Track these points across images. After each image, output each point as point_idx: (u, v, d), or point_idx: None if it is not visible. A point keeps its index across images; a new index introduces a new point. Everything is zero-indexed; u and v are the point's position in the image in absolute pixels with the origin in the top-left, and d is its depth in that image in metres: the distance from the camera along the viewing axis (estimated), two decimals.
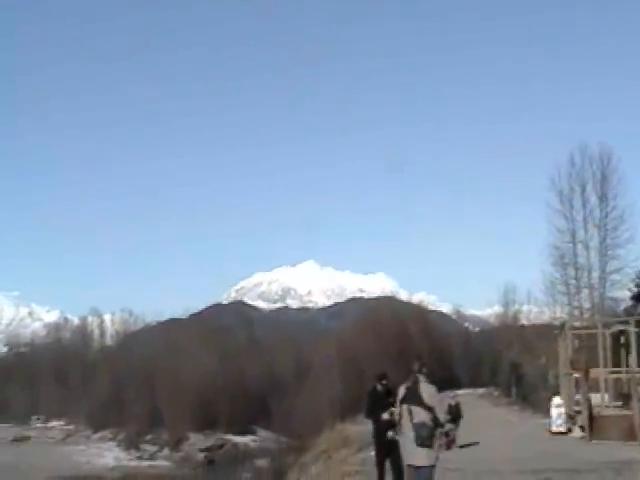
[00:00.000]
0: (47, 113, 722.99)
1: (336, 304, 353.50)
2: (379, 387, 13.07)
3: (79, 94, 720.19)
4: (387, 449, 12.24)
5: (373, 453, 14.01)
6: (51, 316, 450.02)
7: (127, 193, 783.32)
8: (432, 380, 10.12)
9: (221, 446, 72.46)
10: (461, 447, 24.27)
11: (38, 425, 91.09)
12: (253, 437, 75.95)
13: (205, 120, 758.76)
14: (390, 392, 12.27)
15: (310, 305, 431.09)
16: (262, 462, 49.13)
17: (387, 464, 13.03)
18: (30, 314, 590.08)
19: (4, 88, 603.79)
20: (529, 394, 50.99)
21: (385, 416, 11.84)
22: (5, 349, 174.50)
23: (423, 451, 9.68)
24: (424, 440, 9.63)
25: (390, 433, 11.26)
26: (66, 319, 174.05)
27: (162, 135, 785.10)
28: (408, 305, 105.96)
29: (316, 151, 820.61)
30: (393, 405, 10.94)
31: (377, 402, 12.58)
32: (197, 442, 71.77)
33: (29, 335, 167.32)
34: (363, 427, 25.96)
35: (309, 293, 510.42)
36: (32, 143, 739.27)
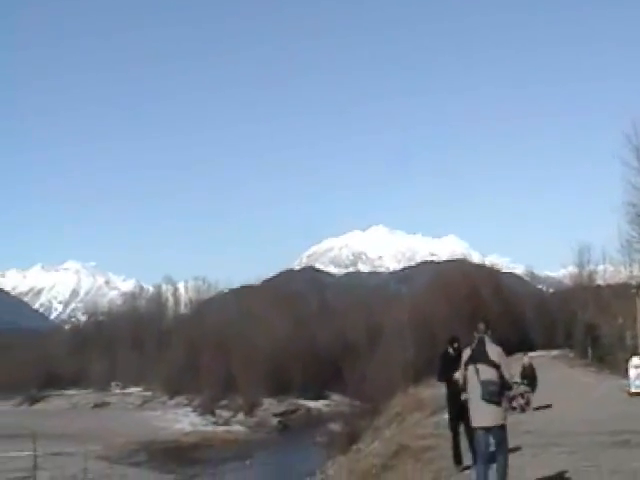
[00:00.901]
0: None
1: (407, 268, 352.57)
2: (451, 350, 12.93)
3: None
4: (461, 412, 12.03)
5: (447, 416, 13.85)
6: (127, 285, 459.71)
7: (198, 161, 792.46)
8: (501, 342, 10.20)
9: (294, 411, 73.13)
10: (536, 409, 23.86)
11: (117, 391, 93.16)
12: (326, 402, 76.42)
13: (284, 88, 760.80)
14: (461, 356, 12.15)
15: (381, 269, 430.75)
16: (335, 426, 49.24)
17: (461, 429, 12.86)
18: (107, 283, 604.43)
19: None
20: (606, 355, 49.89)
21: (457, 375, 11.70)
22: (84, 318, 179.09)
23: (491, 408, 9.64)
24: (492, 396, 9.60)
25: (463, 395, 11.11)
26: (141, 288, 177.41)
27: (239, 101, 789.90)
28: (480, 268, 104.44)
29: (388, 116, 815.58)
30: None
31: (449, 365, 12.41)
32: (271, 407, 72.53)
33: (106, 304, 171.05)
34: (436, 390, 25.74)
35: (380, 257, 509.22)
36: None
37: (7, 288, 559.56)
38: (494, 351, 9.89)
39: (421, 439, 16.61)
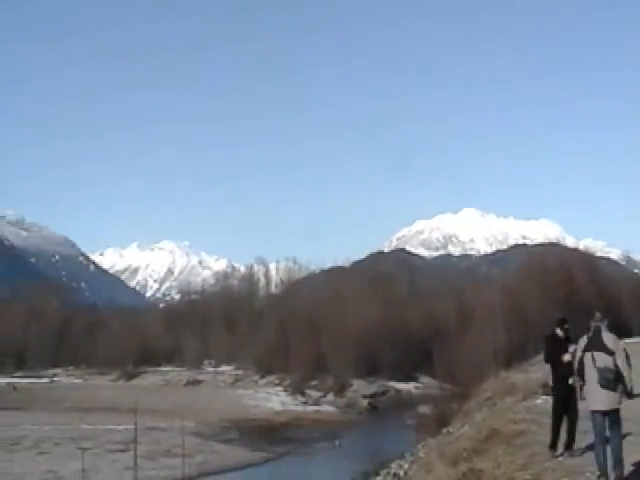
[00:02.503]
0: None
1: (498, 251, 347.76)
2: (559, 332, 12.46)
3: None
4: (566, 396, 11.78)
5: (539, 402, 13.63)
6: (219, 265, 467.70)
7: (296, 143, 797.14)
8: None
9: (384, 392, 73.15)
10: (631, 397, 23.18)
11: (209, 369, 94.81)
12: (416, 384, 76.20)
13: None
14: (569, 338, 11.95)
15: (472, 252, 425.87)
16: (425, 409, 49.09)
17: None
18: (200, 263, 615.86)
19: None
20: None
21: (566, 357, 11.52)
22: (178, 296, 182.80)
23: (607, 394, 9.99)
24: (608, 382, 9.96)
25: (571, 379, 10.98)
26: (233, 268, 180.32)
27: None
28: (574, 252, 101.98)
29: (480, 98, 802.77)
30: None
31: (557, 347, 12.06)
32: (360, 388, 72.74)
33: (199, 283, 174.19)
34: (528, 375, 25.37)
35: (471, 240, 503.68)
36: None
37: (105, 266, 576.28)
38: (610, 339, 10.20)
39: (513, 424, 16.34)
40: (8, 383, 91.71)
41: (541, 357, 13.98)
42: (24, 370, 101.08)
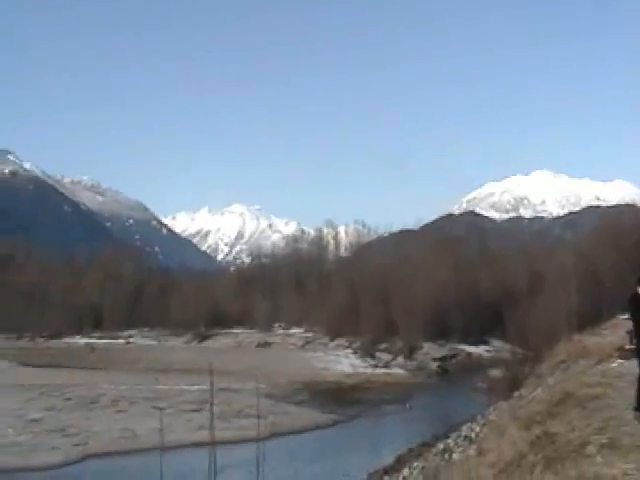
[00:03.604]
0: None
1: (571, 213, 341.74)
2: None
3: None
4: None
5: (614, 364, 13.35)
6: (289, 228, 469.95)
7: (367, 109, 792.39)
8: None
9: (454, 356, 72.92)
10: None
11: (280, 332, 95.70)
12: (486, 347, 75.75)
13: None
14: None
15: (544, 215, 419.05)
16: (496, 372, 48.84)
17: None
18: (270, 226, 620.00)
19: None
20: None
21: None
22: (248, 260, 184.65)
23: None
24: None
25: None
26: (303, 231, 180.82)
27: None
28: None
29: (557, 61, 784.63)
30: None
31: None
32: (430, 351, 72.59)
33: (269, 246, 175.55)
34: (602, 338, 24.87)
35: (543, 202, 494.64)
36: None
37: (177, 230, 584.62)
38: None
39: (587, 387, 16.07)
40: (86, 344, 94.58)
41: (615, 321, 13.73)
42: (101, 331, 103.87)
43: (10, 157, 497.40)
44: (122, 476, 26.43)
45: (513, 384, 33.98)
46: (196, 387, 47.43)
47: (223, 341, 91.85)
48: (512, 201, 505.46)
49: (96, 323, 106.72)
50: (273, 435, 26.45)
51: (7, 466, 27.35)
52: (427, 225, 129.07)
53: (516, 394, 26.46)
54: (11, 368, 66.75)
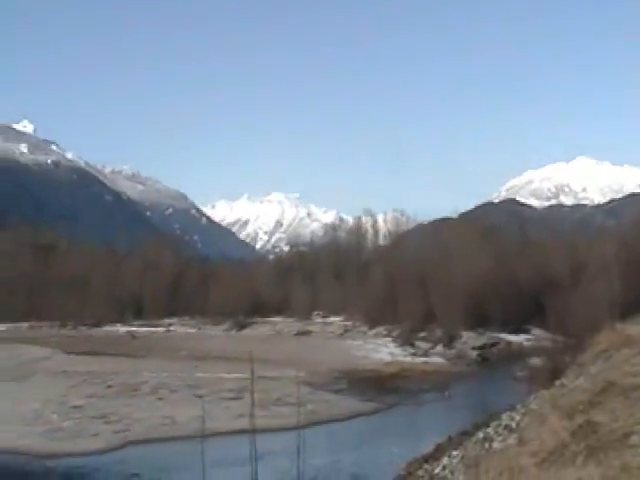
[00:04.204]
0: None
1: (614, 200, 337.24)
2: None
3: None
4: None
5: None
6: (328, 217, 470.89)
7: (405, 92, 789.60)
8: None
9: (494, 344, 72.37)
10: None
11: (318, 320, 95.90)
12: (527, 336, 75.03)
13: None
14: None
15: (585, 202, 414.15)
16: (536, 361, 48.39)
17: None
18: (309, 215, 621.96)
19: None
20: None
21: None
22: (287, 248, 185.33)
23: None
24: None
25: None
26: (341, 219, 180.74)
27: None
28: None
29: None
30: None
31: None
32: (470, 340, 72.16)
33: (308, 235, 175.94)
34: None
35: (584, 190, 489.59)
36: None
37: (216, 219, 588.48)
38: None
39: (631, 376, 15.87)
40: (128, 331, 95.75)
41: None
42: (142, 319, 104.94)
43: (53, 147, 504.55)
44: (163, 463, 26.69)
45: (554, 373, 33.69)
46: (235, 375, 47.69)
47: (262, 329, 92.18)
48: (553, 189, 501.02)
49: (137, 311, 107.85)
50: (312, 423, 26.48)
51: (52, 451, 27.78)
52: (466, 213, 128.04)
53: (557, 383, 26.24)
54: (55, 355, 67.68)
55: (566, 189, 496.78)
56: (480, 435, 23.77)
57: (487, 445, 21.26)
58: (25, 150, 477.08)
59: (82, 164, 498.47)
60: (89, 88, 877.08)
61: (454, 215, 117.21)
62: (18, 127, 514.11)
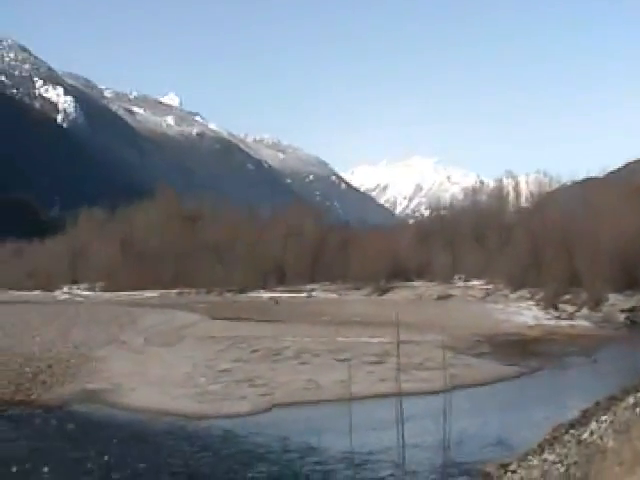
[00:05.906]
0: None
1: None
2: None
3: None
4: None
5: None
6: (468, 180, 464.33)
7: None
8: None
9: None
10: None
11: (459, 284, 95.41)
12: None
13: None
14: None
15: None
16: None
17: None
18: (449, 178, 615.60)
19: None
20: None
21: None
22: (427, 212, 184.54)
23: None
24: None
25: None
26: (482, 182, 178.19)
27: None
28: None
29: None
30: None
31: None
32: (617, 303, 69.91)
33: (448, 199, 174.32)
34: None
35: None
36: None
37: (356, 184, 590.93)
38: None
39: None
40: (271, 297, 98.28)
41: None
42: (284, 285, 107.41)
43: (197, 118, 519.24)
44: (310, 425, 27.29)
45: None
46: (376, 339, 48.12)
47: (403, 294, 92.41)
48: None
49: (279, 278, 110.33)
50: (455, 387, 26.44)
51: (202, 413, 28.93)
52: (614, 172, 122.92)
53: None
54: (202, 321, 70.07)
55: None
56: (630, 400, 23.17)
57: (638, 410, 20.75)
58: (172, 122, 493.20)
59: (225, 134, 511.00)
60: (232, 61, 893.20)
61: (601, 174, 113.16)
62: (165, 100, 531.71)
